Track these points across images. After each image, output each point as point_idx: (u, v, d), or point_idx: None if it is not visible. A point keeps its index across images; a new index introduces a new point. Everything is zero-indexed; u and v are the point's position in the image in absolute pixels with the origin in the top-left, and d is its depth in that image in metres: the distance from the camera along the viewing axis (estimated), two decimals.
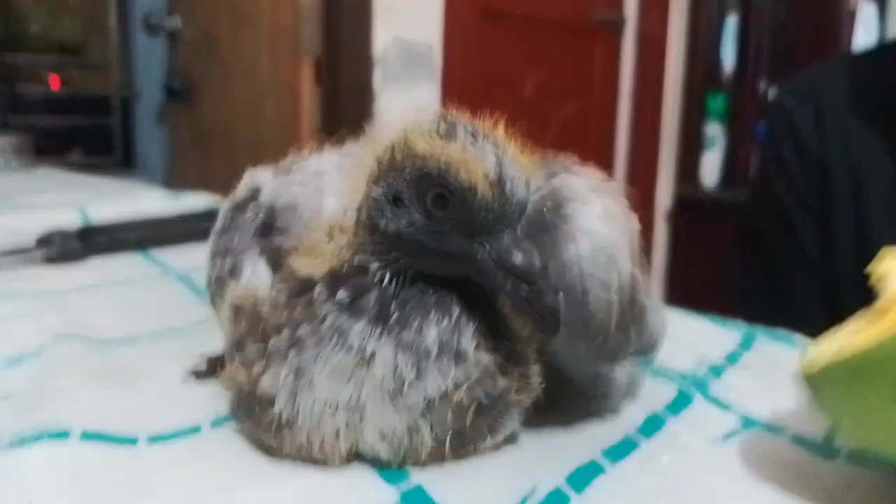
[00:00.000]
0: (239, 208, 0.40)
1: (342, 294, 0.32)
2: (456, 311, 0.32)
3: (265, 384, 0.33)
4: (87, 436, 0.35)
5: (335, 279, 0.33)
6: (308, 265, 0.34)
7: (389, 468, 0.34)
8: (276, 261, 0.37)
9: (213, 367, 0.44)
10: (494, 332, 0.33)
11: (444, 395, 0.32)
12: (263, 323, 0.33)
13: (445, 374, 0.31)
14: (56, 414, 0.37)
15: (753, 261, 1.01)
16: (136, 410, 0.39)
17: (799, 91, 1.00)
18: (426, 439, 0.32)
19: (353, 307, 0.32)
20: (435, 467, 0.34)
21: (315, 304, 0.32)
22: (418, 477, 0.33)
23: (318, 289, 0.33)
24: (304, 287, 0.33)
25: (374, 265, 0.33)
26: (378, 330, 0.31)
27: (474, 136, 0.31)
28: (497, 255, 0.31)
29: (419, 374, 0.31)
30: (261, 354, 0.33)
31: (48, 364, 0.44)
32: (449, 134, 0.31)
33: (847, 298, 0.86)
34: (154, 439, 0.37)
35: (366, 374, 0.31)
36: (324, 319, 0.32)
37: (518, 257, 0.30)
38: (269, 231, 0.39)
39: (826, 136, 0.90)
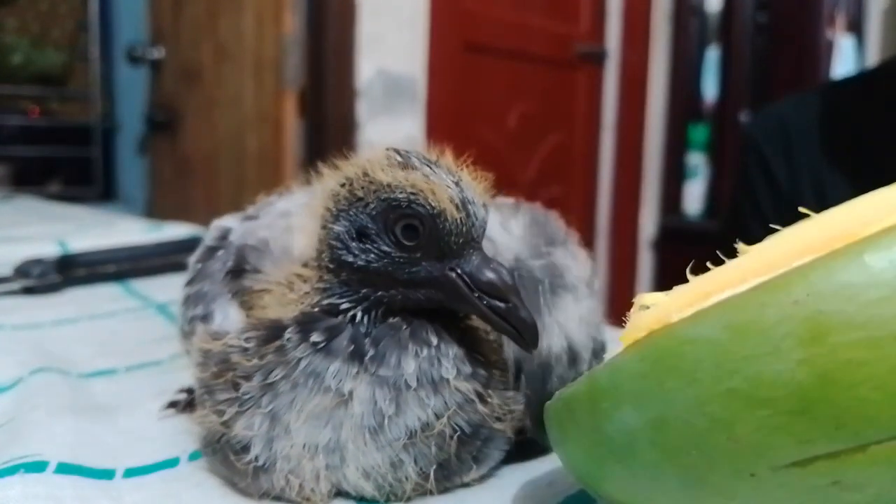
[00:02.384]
0: (208, 255, 0.40)
1: (316, 337, 0.31)
2: (434, 340, 0.32)
3: (238, 431, 0.32)
4: (64, 468, 0.34)
5: (306, 322, 0.32)
6: (276, 310, 0.33)
7: (375, 503, 0.33)
8: (248, 302, 0.36)
9: (191, 400, 0.43)
10: (472, 359, 0.32)
11: (426, 426, 0.31)
12: (233, 369, 0.32)
13: (424, 405, 0.31)
14: (32, 446, 0.36)
15: None
16: (112, 443, 0.39)
17: (769, 123, 1.01)
18: (410, 473, 0.32)
19: (326, 349, 0.31)
20: (419, 503, 0.33)
21: (287, 349, 0.31)
22: None
23: (288, 333, 0.32)
24: (273, 332, 0.32)
25: (344, 305, 0.32)
26: (354, 369, 0.31)
27: (430, 164, 0.31)
28: (469, 276, 0.31)
29: (398, 407, 0.31)
30: (232, 401, 0.32)
31: (25, 396, 0.43)
32: (406, 164, 0.31)
33: None
34: (131, 472, 0.36)
35: (344, 414, 0.31)
36: (297, 364, 0.31)
37: (489, 276, 0.31)
38: (240, 274, 0.38)
39: (795, 169, 0.91)
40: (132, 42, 2.39)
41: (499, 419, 0.33)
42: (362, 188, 0.31)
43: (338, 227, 0.32)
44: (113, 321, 0.65)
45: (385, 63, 1.91)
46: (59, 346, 0.55)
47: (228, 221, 0.41)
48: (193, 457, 0.37)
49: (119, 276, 0.79)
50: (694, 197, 2.63)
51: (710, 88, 2.65)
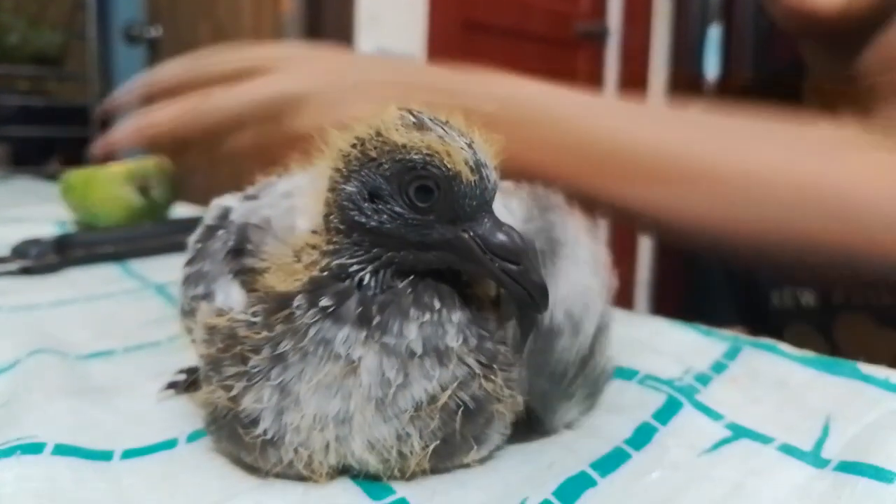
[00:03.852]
0: (208, 235, 0.39)
1: (325, 301, 0.31)
2: (436, 305, 0.31)
3: (247, 405, 0.32)
4: (61, 450, 0.34)
5: (315, 288, 0.32)
6: (283, 282, 0.33)
7: (376, 481, 0.33)
8: (250, 281, 0.36)
9: (190, 380, 0.43)
10: (478, 334, 0.32)
11: (432, 399, 0.31)
12: (241, 343, 0.32)
13: (430, 376, 0.31)
14: (29, 428, 0.36)
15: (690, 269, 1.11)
16: (110, 425, 0.38)
17: None
18: (415, 447, 0.31)
19: (335, 315, 0.31)
20: (419, 483, 0.33)
21: (296, 317, 0.31)
22: (403, 492, 0.32)
23: (297, 301, 0.31)
24: (282, 303, 0.32)
25: (353, 267, 0.32)
26: (363, 335, 0.31)
27: (443, 125, 0.31)
28: (482, 238, 0.31)
29: (406, 377, 0.30)
30: (240, 375, 0.32)
31: (22, 378, 0.43)
32: (420, 125, 0.31)
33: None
34: (129, 454, 0.36)
35: (353, 383, 0.30)
36: (307, 332, 0.31)
37: (502, 238, 0.31)
38: (241, 253, 0.37)
39: None
40: (130, 21, 2.38)
41: (501, 400, 0.33)
42: (375, 148, 0.31)
43: (349, 188, 0.31)
44: (111, 302, 0.65)
45: (384, 42, 1.90)
46: (56, 328, 0.55)
47: (229, 201, 0.41)
48: (192, 438, 0.37)
49: (117, 257, 0.79)
50: None
51: (711, 67, 2.64)
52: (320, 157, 0.35)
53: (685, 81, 2.66)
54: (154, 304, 0.64)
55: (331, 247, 0.32)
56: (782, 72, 1.01)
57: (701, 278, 1.03)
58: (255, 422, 0.32)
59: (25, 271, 0.72)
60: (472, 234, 0.31)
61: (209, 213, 0.41)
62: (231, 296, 0.36)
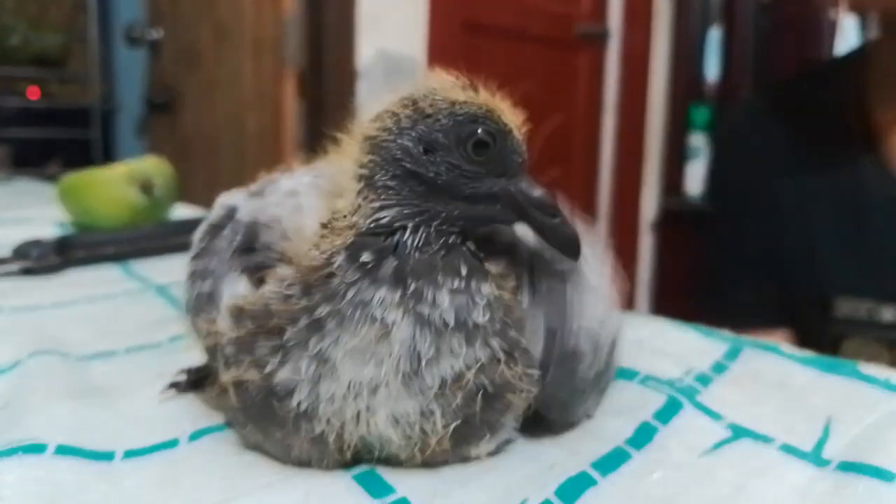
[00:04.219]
0: (215, 230, 0.40)
1: (365, 257, 0.32)
2: (465, 272, 0.32)
3: (283, 377, 0.32)
4: (63, 450, 0.34)
5: (357, 246, 0.32)
6: (317, 252, 0.33)
7: (379, 476, 0.33)
8: (258, 278, 0.36)
9: (192, 380, 0.43)
10: (502, 320, 0.33)
11: (457, 377, 0.32)
12: (276, 317, 0.32)
13: (457, 353, 0.31)
14: (31, 429, 0.36)
15: (717, 264, 1.04)
16: (112, 425, 0.38)
17: (748, 110, 1.02)
18: (437, 425, 0.32)
19: (372, 274, 0.31)
20: (420, 482, 0.33)
21: (334, 279, 0.32)
22: (403, 492, 0.32)
23: (338, 260, 0.32)
24: (321, 266, 0.32)
25: (399, 221, 0.32)
26: (397, 296, 0.31)
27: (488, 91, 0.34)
28: (523, 193, 0.33)
29: (437, 351, 0.31)
30: (275, 350, 0.32)
31: (24, 379, 0.43)
32: (473, 86, 0.34)
33: (801, 312, 0.88)
34: (130, 454, 0.36)
35: (385, 350, 0.31)
36: (345, 294, 0.31)
37: (540, 193, 0.34)
38: (250, 251, 0.38)
39: (772, 155, 0.92)
40: (131, 22, 2.38)
41: (517, 390, 0.34)
42: (431, 105, 0.33)
43: (405, 142, 0.33)
44: (112, 303, 0.65)
45: (385, 43, 1.90)
46: (57, 328, 0.55)
47: (234, 199, 0.41)
48: (193, 437, 0.37)
49: (119, 258, 0.79)
50: (695, 178, 2.62)
51: (712, 69, 2.63)
52: (327, 154, 0.35)
53: (686, 82, 2.66)
54: (155, 305, 0.64)
55: (378, 203, 0.33)
56: (847, 59, 0.99)
57: (732, 275, 1.00)
58: (290, 394, 0.32)
59: (27, 272, 0.72)
60: (515, 188, 0.33)
61: (214, 211, 0.41)
62: (238, 292, 0.36)
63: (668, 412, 0.40)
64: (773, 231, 0.92)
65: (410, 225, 0.32)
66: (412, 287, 0.31)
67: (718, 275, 1.02)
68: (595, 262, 0.39)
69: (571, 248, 0.34)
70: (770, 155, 0.92)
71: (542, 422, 0.37)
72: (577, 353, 0.36)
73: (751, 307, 0.93)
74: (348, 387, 0.31)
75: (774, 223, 0.91)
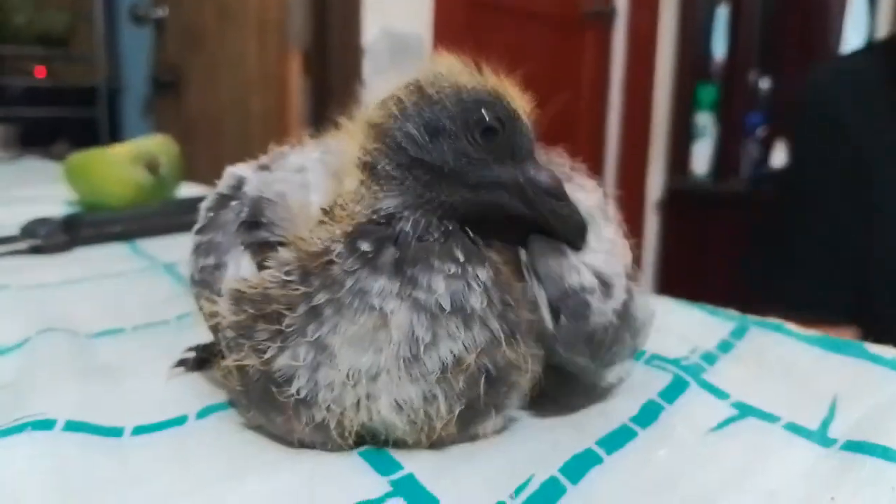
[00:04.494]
0: (221, 204, 0.39)
1: (365, 246, 0.31)
2: (462, 258, 0.32)
3: (282, 363, 0.32)
4: (72, 426, 0.35)
5: (357, 234, 0.32)
6: (317, 238, 0.33)
7: (388, 453, 0.33)
8: (262, 255, 0.36)
9: (200, 358, 0.43)
10: (502, 300, 0.33)
11: (458, 361, 0.31)
12: (275, 303, 0.32)
13: (456, 337, 0.31)
14: (40, 405, 0.36)
15: (781, 248, 0.98)
16: (120, 402, 0.39)
17: (835, 70, 0.98)
18: (441, 410, 0.32)
19: (372, 264, 0.31)
20: (427, 459, 0.33)
21: (333, 267, 0.31)
22: (410, 468, 0.33)
23: (338, 249, 0.32)
24: (320, 254, 0.32)
25: (403, 211, 0.32)
26: (396, 285, 0.31)
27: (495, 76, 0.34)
28: (530, 179, 0.33)
29: (434, 335, 0.31)
30: (274, 335, 0.32)
31: (32, 357, 0.44)
32: (479, 71, 0.33)
33: (888, 282, 0.85)
34: (139, 430, 0.36)
35: (384, 338, 0.31)
36: (343, 283, 0.31)
37: (547, 178, 0.33)
38: (255, 226, 0.37)
39: (863, 115, 0.88)
40: (135, 2, 2.37)
41: (521, 370, 0.33)
42: (437, 91, 0.32)
43: (410, 129, 0.32)
44: (120, 281, 0.65)
45: (390, 21, 1.89)
46: (66, 306, 0.55)
47: (243, 170, 0.41)
48: (201, 415, 0.38)
49: (126, 236, 0.79)
50: (702, 157, 2.62)
51: (718, 48, 2.62)
52: (335, 131, 0.35)
53: (692, 62, 2.64)
54: (163, 283, 0.64)
55: (380, 192, 0.32)
56: None
57: (804, 262, 0.93)
58: (289, 381, 0.32)
59: (35, 250, 0.72)
60: (522, 174, 0.33)
61: (223, 182, 0.40)
62: (242, 267, 0.36)
63: (673, 391, 0.40)
64: (862, 212, 0.87)
65: (412, 214, 0.32)
66: (409, 274, 0.31)
67: (784, 260, 0.96)
68: (589, 200, 0.38)
69: (578, 235, 0.34)
70: (872, 123, 0.88)
71: (549, 399, 0.37)
72: (585, 287, 0.34)
73: (819, 298, 0.89)
74: (347, 374, 0.31)
75: (865, 206, 0.87)
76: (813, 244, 0.93)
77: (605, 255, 0.36)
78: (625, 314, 0.36)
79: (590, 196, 0.38)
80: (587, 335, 0.34)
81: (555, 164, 0.39)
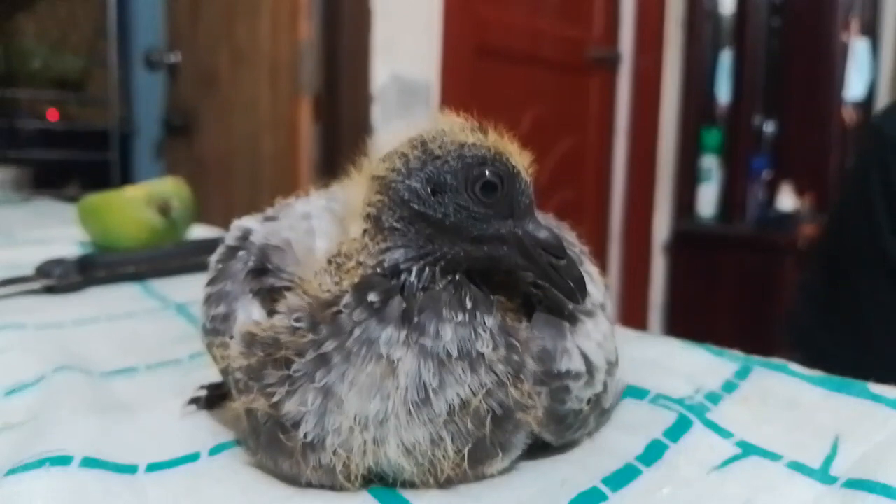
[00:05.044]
0: (229, 255, 0.40)
1: (372, 297, 0.32)
2: (470, 305, 0.33)
3: (290, 408, 0.33)
4: (88, 463, 0.35)
5: (365, 286, 0.33)
6: (326, 288, 0.34)
7: (404, 488, 0.34)
8: (271, 301, 0.37)
9: (212, 396, 0.44)
10: (508, 344, 0.34)
11: (465, 404, 0.32)
12: (284, 349, 0.33)
13: (462, 381, 0.32)
14: (57, 442, 0.37)
15: (833, 302, 0.95)
16: (134, 439, 0.39)
17: None
18: (449, 452, 0.32)
19: (380, 314, 0.32)
20: (433, 498, 0.34)
21: (342, 317, 0.32)
22: None
23: (345, 299, 0.33)
24: (329, 303, 0.33)
25: (405, 264, 0.33)
26: (403, 335, 0.32)
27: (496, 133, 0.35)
28: (530, 235, 0.34)
29: (441, 381, 0.32)
30: (282, 381, 0.33)
31: (48, 394, 0.44)
32: (481, 129, 0.35)
33: None
34: (153, 467, 0.37)
35: (391, 385, 0.31)
36: (351, 332, 0.32)
37: (547, 235, 0.34)
38: (262, 273, 0.39)
39: None
40: (150, 47, 2.41)
41: (526, 409, 0.34)
42: (440, 147, 0.34)
43: (413, 184, 0.33)
44: (133, 321, 0.66)
45: (399, 68, 1.92)
46: (80, 345, 0.56)
47: (249, 222, 0.42)
48: (214, 452, 0.38)
49: (139, 277, 0.80)
50: (708, 200, 2.63)
51: (723, 92, 2.65)
52: (345, 180, 0.36)
53: (697, 105, 2.67)
54: (175, 323, 0.65)
55: (384, 245, 0.33)
56: None
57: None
58: (296, 425, 0.33)
59: (49, 290, 0.73)
60: (522, 230, 0.34)
61: (230, 234, 0.42)
62: (252, 315, 0.37)
63: (678, 430, 0.41)
64: None
65: (416, 266, 0.33)
66: (416, 322, 0.32)
67: (851, 326, 0.92)
68: (594, 291, 0.39)
69: (575, 290, 0.35)
70: None
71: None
72: (571, 373, 0.36)
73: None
74: (355, 419, 0.32)
75: None
76: (870, 297, 0.90)
77: (597, 345, 0.38)
78: (596, 404, 0.38)
79: (595, 288, 0.39)
80: (559, 417, 0.36)
81: (567, 242, 0.40)
